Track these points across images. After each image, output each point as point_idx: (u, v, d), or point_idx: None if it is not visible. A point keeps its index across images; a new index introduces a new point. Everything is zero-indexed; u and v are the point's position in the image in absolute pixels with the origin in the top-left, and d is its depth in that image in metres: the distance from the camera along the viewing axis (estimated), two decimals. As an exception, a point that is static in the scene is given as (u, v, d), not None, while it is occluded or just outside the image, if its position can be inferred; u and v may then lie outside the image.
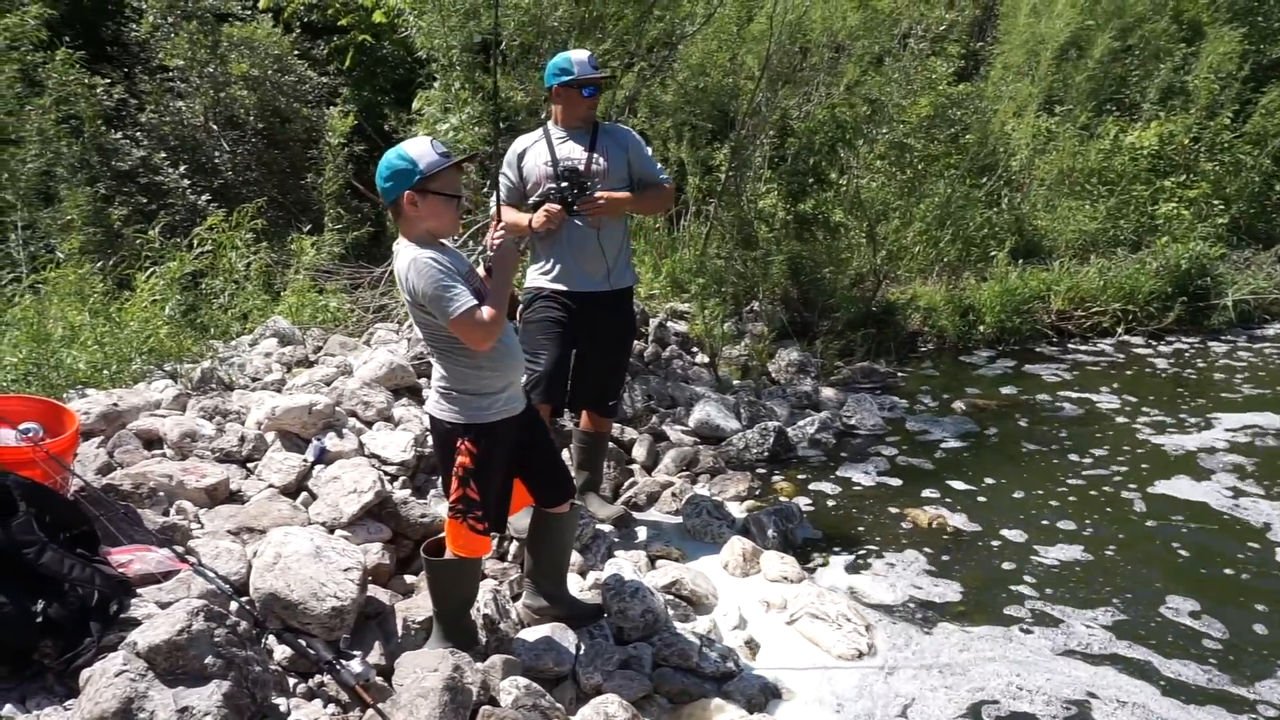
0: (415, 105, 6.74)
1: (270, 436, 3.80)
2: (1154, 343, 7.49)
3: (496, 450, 2.75)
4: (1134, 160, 9.20)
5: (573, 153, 3.63)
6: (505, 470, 2.85)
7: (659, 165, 3.84)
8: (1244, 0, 10.70)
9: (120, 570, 2.67)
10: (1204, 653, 3.30)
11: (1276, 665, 3.20)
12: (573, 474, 4.06)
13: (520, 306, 3.80)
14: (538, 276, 3.73)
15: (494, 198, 3.82)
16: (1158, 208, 8.91)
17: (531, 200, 3.65)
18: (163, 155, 7.58)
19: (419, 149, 2.57)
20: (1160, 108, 9.82)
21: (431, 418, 2.80)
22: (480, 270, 2.77)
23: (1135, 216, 8.84)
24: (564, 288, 3.66)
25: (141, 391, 4.21)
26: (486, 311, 2.56)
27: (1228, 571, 3.88)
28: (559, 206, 3.50)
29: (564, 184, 3.51)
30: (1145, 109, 9.86)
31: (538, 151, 3.67)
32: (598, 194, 3.52)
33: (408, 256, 2.57)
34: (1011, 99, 9.35)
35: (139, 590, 2.68)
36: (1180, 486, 4.69)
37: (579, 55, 3.62)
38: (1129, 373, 6.69)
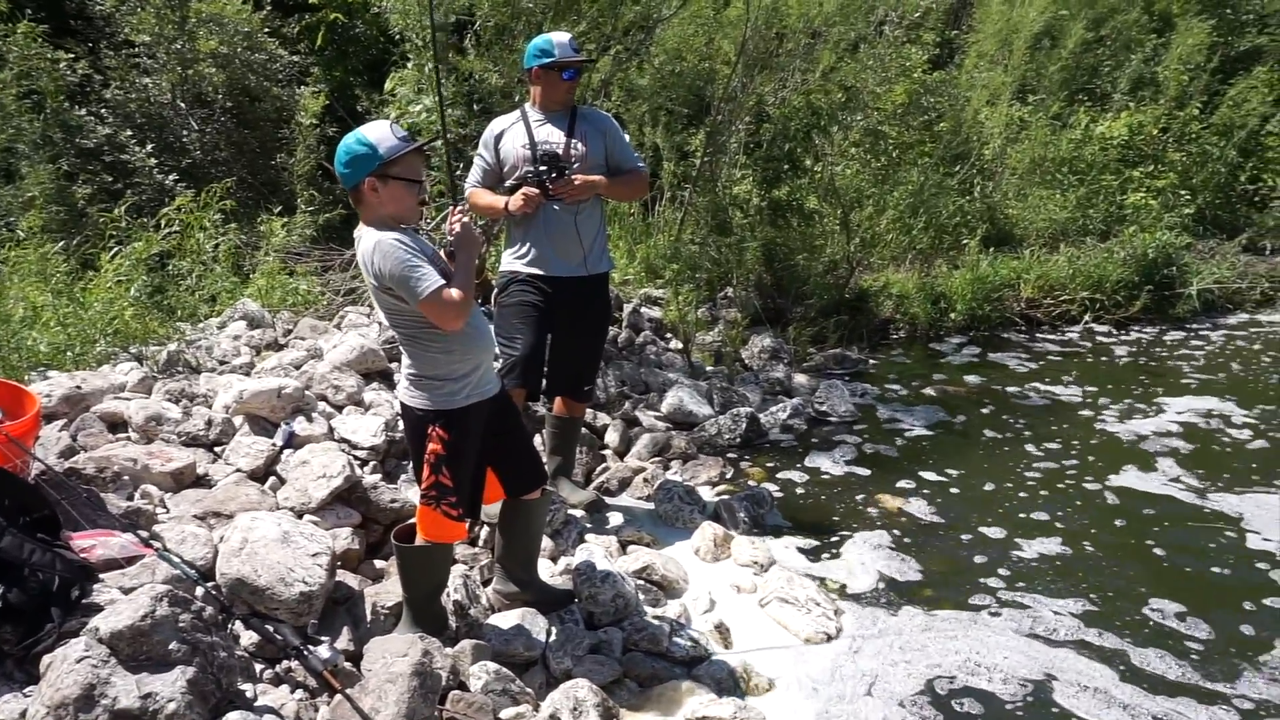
0: (388, 86, 6.65)
1: (238, 420, 3.76)
2: (1116, 331, 7.60)
3: (469, 436, 2.74)
4: (1104, 150, 9.31)
5: (551, 136, 3.61)
6: (478, 456, 2.84)
7: (635, 152, 3.83)
8: (1213, -8, 10.83)
9: (82, 555, 2.64)
10: (1172, 643, 3.34)
11: (1247, 660, 3.23)
12: (545, 459, 4.07)
13: (495, 290, 3.79)
14: (513, 260, 3.71)
15: (468, 179, 3.81)
16: (1126, 197, 9.03)
17: (508, 183, 3.63)
18: (129, 133, 7.41)
19: (378, 133, 2.53)
20: (1131, 98, 9.93)
21: (402, 404, 2.79)
22: (443, 254, 2.74)
23: (1104, 206, 8.95)
24: (540, 272, 3.65)
25: (106, 374, 4.14)
26: (455, 291, 2.54)
27: (1187, 556, 3.96)
28: (536, 190, 3.48)
29: (542, 168, 3.49)
30: (1116, 99, 9.97)
31: (515, 134, 3.65)
32: (574, 177, 3.50)
33: (371, 240, 2.54)
34: (985, 87, 9.41)
35: (102, 576, 2.65)
36: (1137, 476, 4.77)
37: (560, 37, 3.60)
38: (1090, 360, 6.79)
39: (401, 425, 4.01)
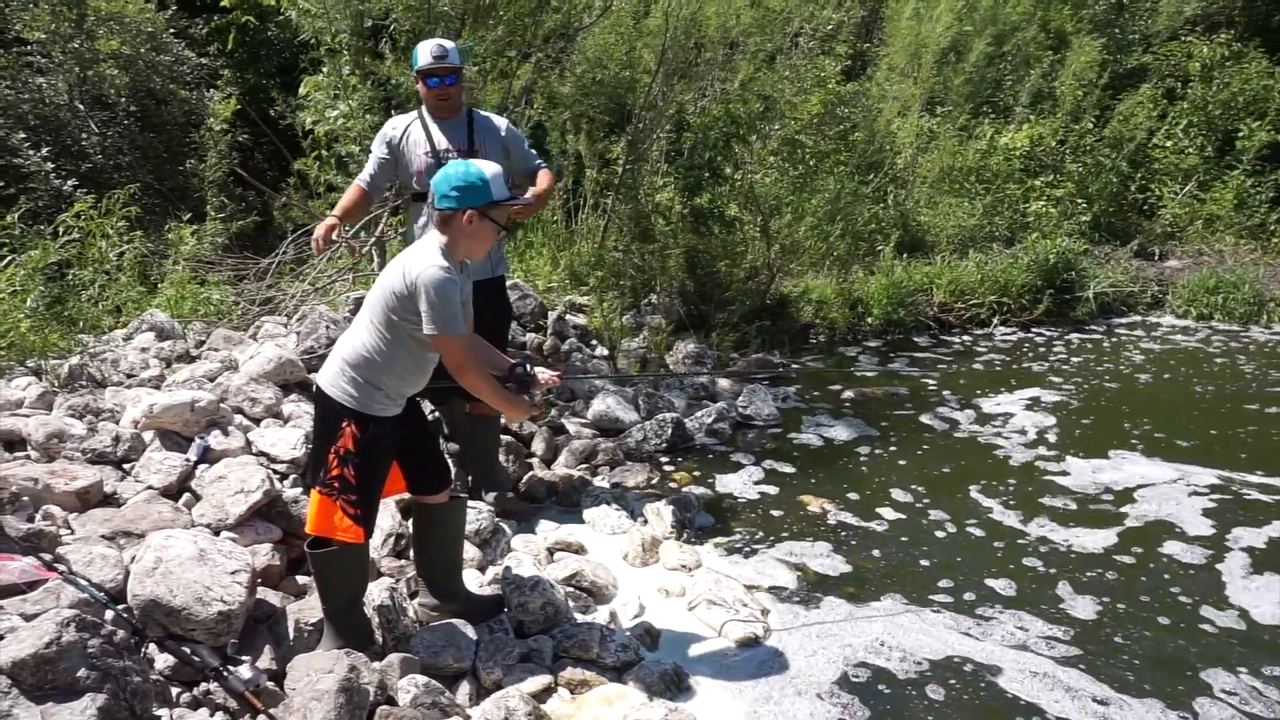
0: (302, 90, 6.50)
1: (149, 435, 3.61)
2: (1020, 331, 7.98)
3: (380, 440, 2.77)
4: (1008, 160, 9.77)
5: (453, 144, 3.70)
6: (386, 462, 2.85)
7: (533, 151, 3.95)
8: (1104, 13, 11.48)
9: (-20, 582, 2.50)
10: (1064, 626, 3.55)
11: (1139, 642, 3.45)
12: (472, 465, 4.06)
13: None
14: None
15: (362, 173, 3.86)
16: (1029, 205, 9.49)
17: (414, 190, 3.65)
18: (22, 135, 7.05)
19: (494, 173, 2.69)
20: (1030, 111, 10.44)
21: (320, 390, 2.78)
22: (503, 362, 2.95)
23: (1009, 214, 9.40)
24: None
25: (0, 390, 3.92)
26: (485, 376, 2.78)
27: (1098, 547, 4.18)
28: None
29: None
30: (1018, 112, 10.47)
31: (415, 136, 3.73)
32: (525, 197, 3.58)
33: (430, 262, 2.63)
34: (896, 99, 9.76)
35: (1, 602, 2.51)
36: (1046, 466, 5.03)
37: (425, 46, 3.70)
38: (999, 358, 7.11)
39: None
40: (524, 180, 3.86)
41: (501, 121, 3.90)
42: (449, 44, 3.74)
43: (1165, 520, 4.38)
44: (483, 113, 3.93)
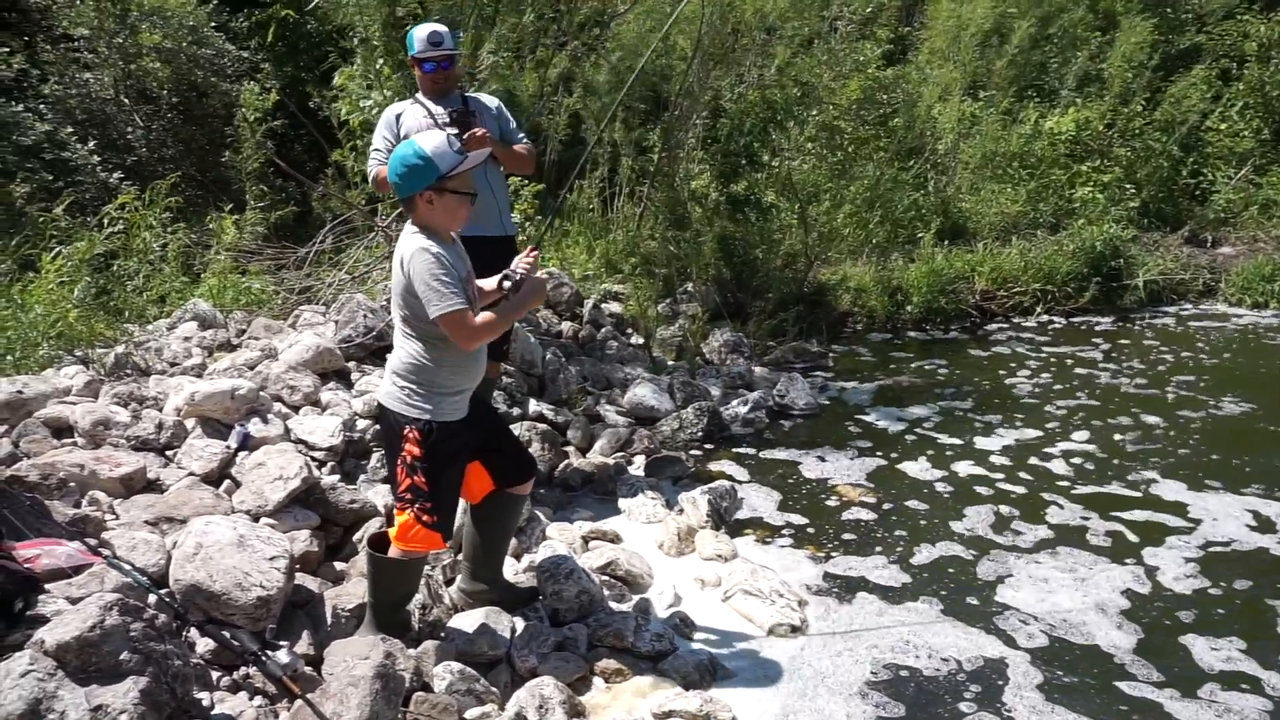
0: (336, 81, 6.53)
1: (190, 423, 3.66)
2: (1069, 320, 7.78)
3: (447, 443, 2.71)
4: (1053, 145, 9.52)
5: (449, 111, 3.79)
6: (458, 465, 2.81)
7: (521, 134, 4.04)
8: (1155, -9, 11.12)
9: (26, 565, 2.54)
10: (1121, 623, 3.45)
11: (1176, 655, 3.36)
12: None
13: None
14: None
15: (370, 161, 3.93)
16: (1074, 191, 9.23)
17: None
18: (69, 130, 7.18)
19: (436, 146, 2.56)
20: (1077, 94, 10.16)
21: (380, 405, 2.77)
22: (491, 283, 2.82)
23: (1054, 200, 9.15)
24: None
25: (49, 378, 4.00)
26: (487, 315, 2.63)
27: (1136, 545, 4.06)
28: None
29: (452, 131, 3.55)
30: (1064, 95, 10.19)
31: (414, 111, 3.83)
32: (478, 130, 3.67)
33: (413, 245, 2.57)
34: (937, 84, 9.55)
35: (47, 586, 2.55)
36: (1085, 461, 4.89)
37: (420, 32, 3.79)
38: (1045, 351, 6.94)
39: (359, 425, 3.97)
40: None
41: (494, 101, 4.01)
42: (444, 29, 3.80)
43: (1229, 542, 4.19)
44: (473, 94, 4.05)
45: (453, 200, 2.60)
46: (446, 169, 2.55)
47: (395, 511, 2.78)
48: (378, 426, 3.65)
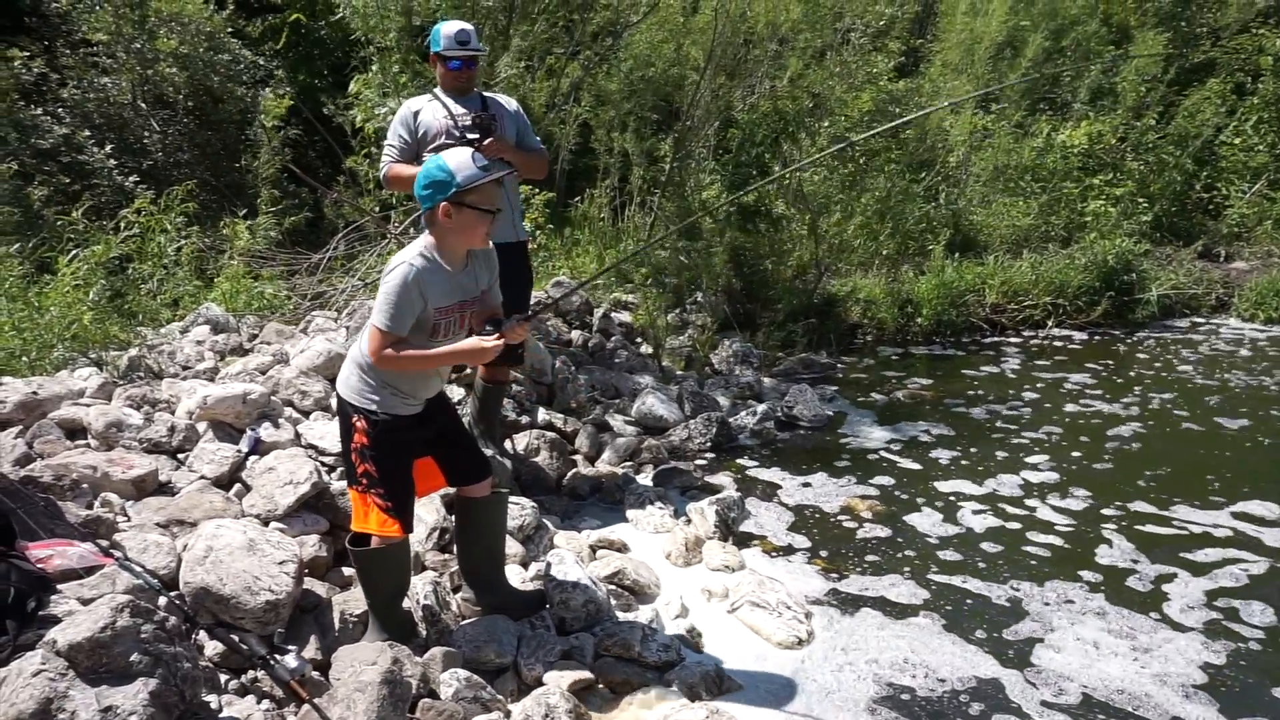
0: (352, 88, 6.59)
1: (202, 426, 3.68)
2: (1080, 334, 7.75)
3: (394, 435, 2.74)
4: (1065, 158, 9.50)
5: (469, 112, 3.76)
6: (406, 458, 2.84)
7: (538, 140, 4.04)
8: (1169, 6, 11.11)
9: (39, 566, 2.57)
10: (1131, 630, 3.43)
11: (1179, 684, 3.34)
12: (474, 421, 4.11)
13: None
14: None
15: (384, 157, 3.90)
16: (1086, 205, 9.22)
17: (430, 150, 3.73)
18: (87, 134, 7.26)
19: (459, 160, 2.60)
20: (1090, 108, 10.14)
21: (337, 390, 2.82)
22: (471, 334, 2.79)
23: (1065, 213, 9.14)
24: None
25: (64, 380, 4.04)
26: (414, 352, 2.62)
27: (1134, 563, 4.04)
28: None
29: (473, 135, 3.61)
30: (1076, 108, 10.18)
31: (433, 109, 3.79)
32: (500, 136, 3.67)
33: (404, 257, 2.60)
34: (949, 96, 9.55)
35: (60, 586, 2.57)
36: (1099, 478, 4.87)
37: (449, 29, 3.75)
38: (1057, 361, 6.92)
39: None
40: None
41: (513, 103, 3.98)
42: (471, 29, 3.79)
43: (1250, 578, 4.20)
44: (492, 94, 4.02)
45: (471, 215, 2.62)
46: (465, 182, 2.57)
47: (351, 491, 2.81)
48: None
